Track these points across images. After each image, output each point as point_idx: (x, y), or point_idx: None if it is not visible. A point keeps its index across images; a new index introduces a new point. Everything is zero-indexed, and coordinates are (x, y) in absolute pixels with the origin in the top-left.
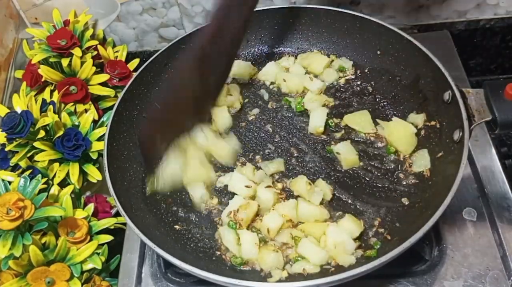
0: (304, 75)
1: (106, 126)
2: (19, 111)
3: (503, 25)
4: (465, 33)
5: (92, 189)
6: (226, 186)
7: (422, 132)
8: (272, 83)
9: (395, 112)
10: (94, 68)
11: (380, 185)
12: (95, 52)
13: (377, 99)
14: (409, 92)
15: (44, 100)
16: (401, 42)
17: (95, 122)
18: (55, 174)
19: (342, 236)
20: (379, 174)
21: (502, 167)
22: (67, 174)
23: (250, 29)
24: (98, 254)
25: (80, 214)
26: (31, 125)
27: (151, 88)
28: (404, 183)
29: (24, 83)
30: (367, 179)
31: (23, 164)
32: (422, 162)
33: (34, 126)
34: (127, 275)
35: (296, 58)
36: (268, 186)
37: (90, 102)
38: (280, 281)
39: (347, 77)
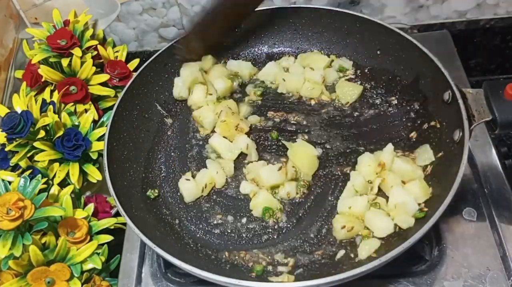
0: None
1: (106, 126)
2: (19, 111)
3: (503, 25)
4: (465, 33)
5: (92, 189)
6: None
7: (423, 132)
8: (271, 82)
9: (395, 112)
10: (94, 68)
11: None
12: (95, 52)
13: (377, 99)
14: (409, 92)
15: (44, 100)
16: (401, 42)
17: (95, 122)
18: (55, 174)
19: (406, 198)
20: None
21: (502, 167)
22: (67, 174)
23: (250, 29)
24: (98, 254)
25: (80, 214)
26: (31, 125)
27: (151, 88)
28: None
29: (24, 83)
30: None
31: (23, 164)
32: (426, 156)
33: (34, 126)
34: (127, 275)
35: (296, 58)
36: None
37: (90, 102)
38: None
39: (347, 77)
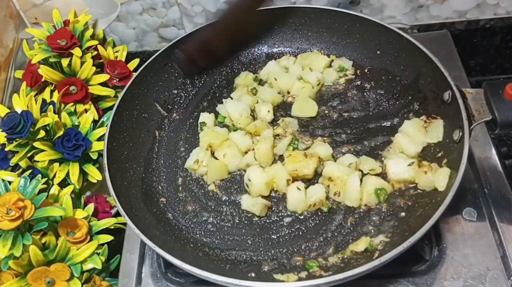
0: (302, 70)
1: (106, 126)
2: (19, 111)
3: (503, 25)
4: (465, 33)
5: (92, 189)
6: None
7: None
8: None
9: (394, 112)
10: (94, 68)
11: None
12: (95, 52)
13: (377, 99)
14: (409, 92)
15: (44, 100)
16: (401, 42)
17: (95, 122)
18: (55, 174)
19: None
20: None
21: (502, 167)
22: (67, 174)
23: (249, 29)
24: (98, 254)
25: (80, 214)
26: (31, 125)
27: (151, 88)
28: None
29: (24, 83)
30: None
31: (23, 164)
32: (435, 134)
33: (34, 126)
34: (127, 275)
35: (296, 57)
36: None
37: (90, 102)
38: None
39: (347, 77)
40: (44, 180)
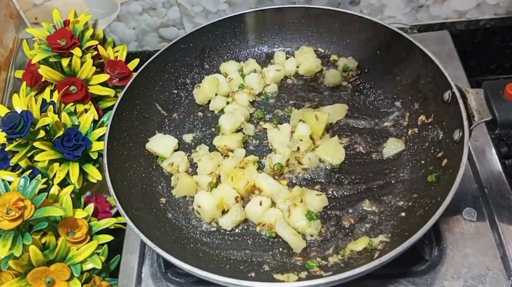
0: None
1: (106, 126)
2: (19, 111)
3: (503, 25)
4: (465, 33)
5: (92, 189)
6: None
7: (422, 131)
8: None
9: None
10: (94, 68)
11: (381, 183)
12: (95, 52)
13: (377, 99)
14: (409, 92)
15: (44, 100)
16: (401, 42)
17: (95, 122)
18: (55, 174)
19: None
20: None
21: (502, 167)
22: (67, 174)
23: (250, 29)
24: (98, 254)
25: (80, 214)
26: (31, 125)
27: (151, 88)
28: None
29: (24, 83)
30: (370, 176)
31: (23, 164)
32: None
33: (34, 126)
34: (127, 275)
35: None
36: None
37: (90, 102)
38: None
39: (349, 78)
40: (44, 180)
